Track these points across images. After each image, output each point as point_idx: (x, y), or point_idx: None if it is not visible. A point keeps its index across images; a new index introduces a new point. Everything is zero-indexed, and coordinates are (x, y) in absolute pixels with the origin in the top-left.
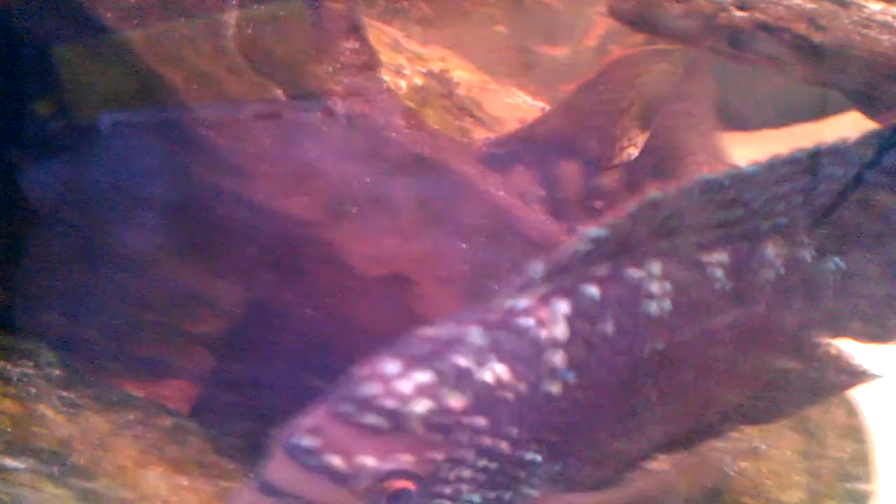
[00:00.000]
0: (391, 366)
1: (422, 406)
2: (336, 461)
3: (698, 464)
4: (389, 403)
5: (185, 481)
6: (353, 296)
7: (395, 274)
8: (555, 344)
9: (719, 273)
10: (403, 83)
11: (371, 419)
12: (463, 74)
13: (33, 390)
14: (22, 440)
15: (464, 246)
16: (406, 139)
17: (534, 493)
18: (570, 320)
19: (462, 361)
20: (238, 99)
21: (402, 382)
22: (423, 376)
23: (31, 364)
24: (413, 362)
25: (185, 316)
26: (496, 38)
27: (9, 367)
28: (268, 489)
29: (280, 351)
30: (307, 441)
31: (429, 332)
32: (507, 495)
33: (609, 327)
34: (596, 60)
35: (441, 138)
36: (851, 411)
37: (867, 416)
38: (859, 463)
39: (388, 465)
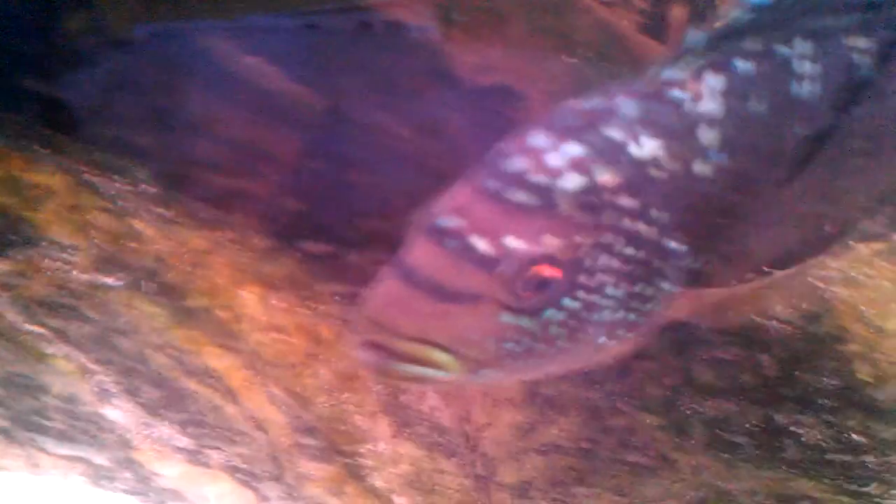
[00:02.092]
0: (541, 138)
1: (572, 182)
2: (481, 244)
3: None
4: (539, 178)
5: (279, 302)
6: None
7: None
8: (708, 120)
9: (865, 60)
10: None
11: (519, 196)
12: None
13: (129, 206)
14: (118, 256)
15: (569, 60)
16: None
17: (671, 289)
18: (725, 96)
19: (615, 134)
20: None
21: (553, 156)
22: (575, 149)
23: (126, 181)
24: (564, 134)
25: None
26: None
27: (100, 181)
28: (407, 276)
29: (378, 169)
30: (450, 221)
31: (580, 103)
32: (648, 290)
33: (762, 107)
34: None
35: None
36: None
37: None
38: None
39: (536, 249)
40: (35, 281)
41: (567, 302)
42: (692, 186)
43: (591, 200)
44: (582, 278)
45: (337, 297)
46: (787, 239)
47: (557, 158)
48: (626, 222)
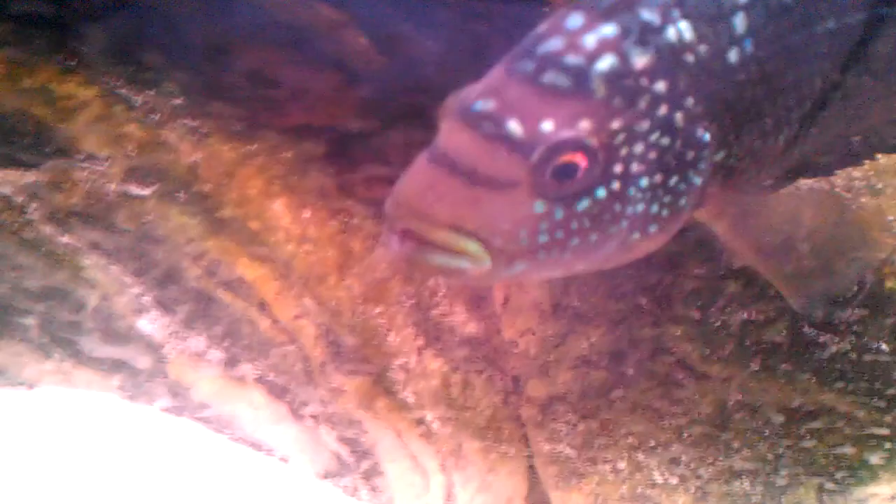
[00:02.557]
0: (574, 18)
1: (605, 63)
2: (515, 127)
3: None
4: (572, 59)
5: (308, 213)
6: None
7: None
8: (737, 5)
9: None
10: None
11: (552, 77)
12: None
13: (157, 116)
14: (147, 166)
15: None
16: None
17: (698, 181)
18: None
19: (647, 15)
20: None
21: (587, 36)
22: (609, 29)
23: (153, 92)
24: (598, 15)
25: None
26: None
27: (132, 94)
28: (440, 160)
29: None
30: (485, 104)
31: None
32: (675, 181)
33: None
34: None
35: None
36: None
37: None
38: None
39: (568, 133)
40: (69, 192)
41: (600, 192)
42: (719, 71)
43: (623, 82)
44: (616, 168)
45: (367, 211)
46: (816, 143)
47: (591, 38)
48: (656, 107)
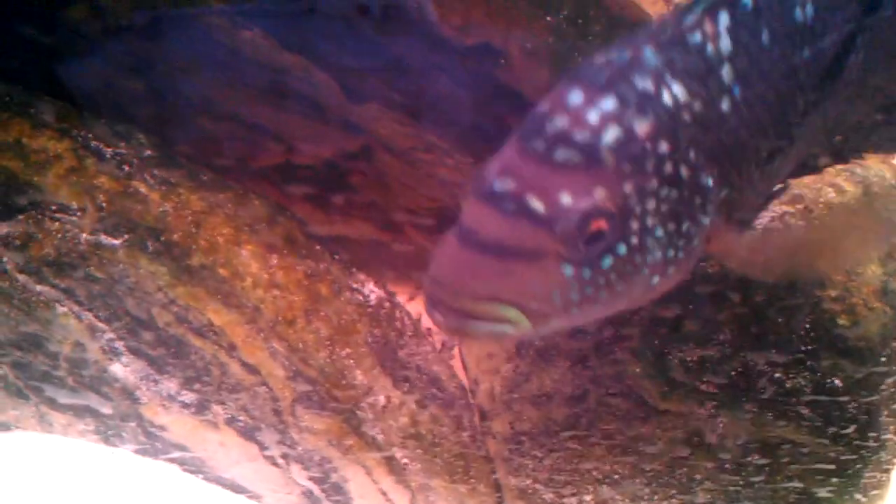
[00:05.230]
0: (575, 95)
1: (611, 135)
2: (537, 203)
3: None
4: (579, 135)
5: (275, 259)
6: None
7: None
8: (722, 58)
9: None
10: None
11: (563, 154)
12: None
13: (127, 168)
14: (118, 216)
15: (549, 19)
16: None
17: (707, 221)
18: (732, 32)
19: (642, 84)
20: None
21: (590, 112)
22: (608, 103)
23: (123, 144)
24: (597, 90)
25: None
26: None
27: (102, 146)
28: (470, 239)
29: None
30: (505, 185)
31: (602, 57)
32: (686, 225)
33: (765, 36)
34: None
35: None
36: None
37: None
38: None
39: (589, 203)
40: (43, 243)
41: (621, 249)
42: (720, 123)
43: (629, 150)
44: (632, 224)
45: (335, 256)
46: (800, 152)
47: (595, 114)
48: (662, 165)
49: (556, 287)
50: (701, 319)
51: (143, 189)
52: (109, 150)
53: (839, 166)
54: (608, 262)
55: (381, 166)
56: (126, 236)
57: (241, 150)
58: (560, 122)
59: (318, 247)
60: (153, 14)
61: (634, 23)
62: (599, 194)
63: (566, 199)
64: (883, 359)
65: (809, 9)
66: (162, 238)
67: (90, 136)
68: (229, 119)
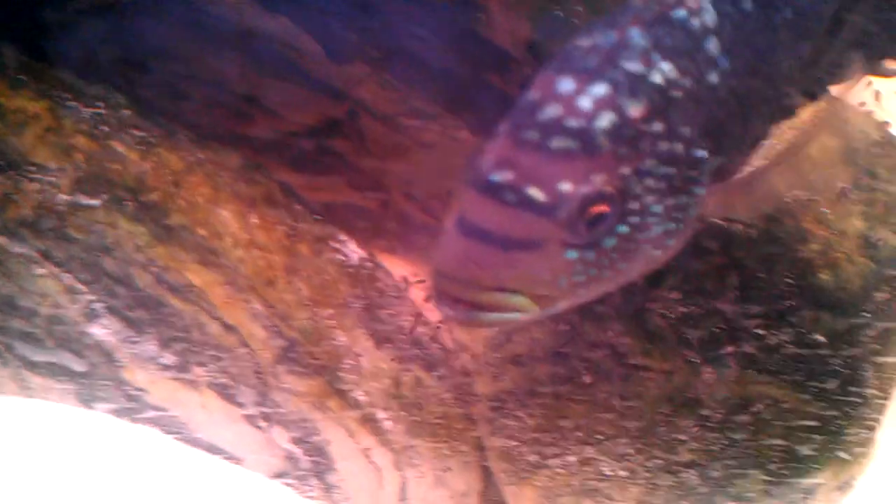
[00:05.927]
0: (565, 83)
1: (605, 120)
2: (537, 193)
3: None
4: (574, 122)
5: (255, 219)
6: None
7: None
8: (707, 31)
9: None
10: None
11: (561, 142)
12: None
13: (106, 128)
14: (96, 177)
15: None
16: None
17: (702, 191)
18: (715, 3)
19: (632, 66)
20: None
21: (582, 99)
22: (600, 88)
23: (101, 105)
24: (587, 76)
25: None
26: None
27: (80, 106)
28: (472, 231)
29: None
30: (502, 175)
31: (587, 40)
32: (683, 199)
33: (747, 3)
34: None
35: None
36: None
37: None
38: None
39: (586, 189)
40: (20, 204)
41: (622, 228)
42: (709, 96)
43: (624, 133)
44: (631, 204)
45: (314, 216)
46: (773, 114)
47: (588, 100)
48: (657, 144)
49: (562, 271)
50: (681, 274)
51: (121, 149)
52: (88, 110)
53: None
54: (611, 242)
55: (366, 132)
56: (104, 196)
57: (224, 117)
58: (553, 110)
59: (298, 206)
60: None
61: None
62: (598, 179)
63: (565, 186)
64: (865, 312)
65: None
66: (141, 198)
67: (68, 96)
68: (212, 86)
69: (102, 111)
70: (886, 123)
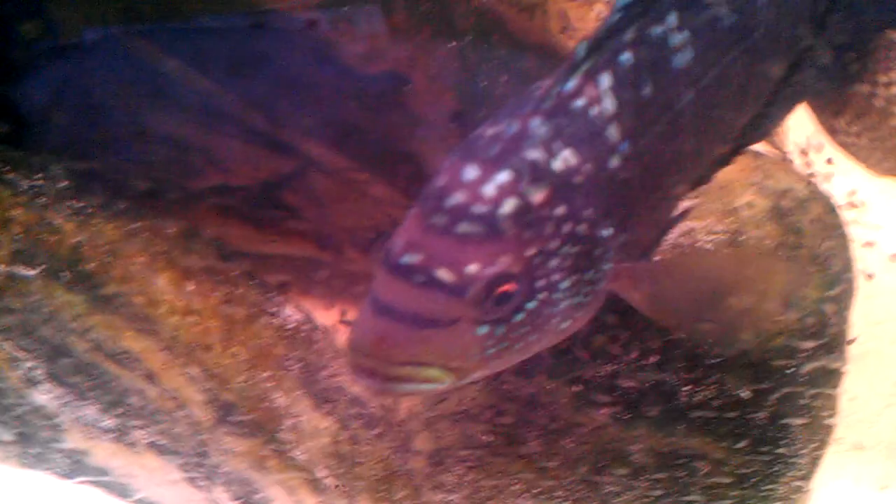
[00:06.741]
0: (470, 170)
1: (508, 206)
2: (445, 275)
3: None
4: (478, 209)
5: (191, 286)
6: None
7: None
8: (607, 118)
9: (723, 10)
10: None
11: (465, 227)
12: None
13: (43, 199)
14: (33, 248)
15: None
16: None
17: (609, 266)
18: (615, 91)
19: (534, 154)
20: None
21: (486, 186)
22: (503, 176)
23: (40, 176)
24: (490, 164)
25: None
26: None
27: (19, 178)
28: (385, 311)
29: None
30: (412, 258)
31: (491, 129)
32: (590, 274)
33: (648, 89)
34: None
35: None
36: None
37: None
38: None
39: (492, 270)
40: None
41: (530, 304)
42: (611, 178)
43: (527, 217)
44: (539, 283)
45: (250, 282)
46: (694, 170)
47: (492, 187)
48: (561, 227)
49: (473, 346)
50: (608, 336)
51: (58, 220)
52: (26, 182)
53: (747, 180)
54: (519, 317)
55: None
56: (42, 267)
57: (174, 173)
58: (458, 197)
59: (235, 272)
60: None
61: (538, 46)
62: (503, 261)
63: (472, 268)
64: (789, 371)
65: (689, 52)
66: (77, 268)
67: (7, 168)
68: (162, 143)
69: (41, 182)
70: (812, 176)
